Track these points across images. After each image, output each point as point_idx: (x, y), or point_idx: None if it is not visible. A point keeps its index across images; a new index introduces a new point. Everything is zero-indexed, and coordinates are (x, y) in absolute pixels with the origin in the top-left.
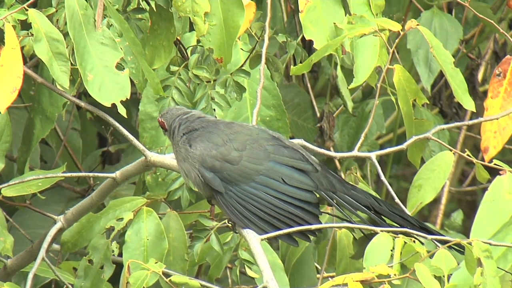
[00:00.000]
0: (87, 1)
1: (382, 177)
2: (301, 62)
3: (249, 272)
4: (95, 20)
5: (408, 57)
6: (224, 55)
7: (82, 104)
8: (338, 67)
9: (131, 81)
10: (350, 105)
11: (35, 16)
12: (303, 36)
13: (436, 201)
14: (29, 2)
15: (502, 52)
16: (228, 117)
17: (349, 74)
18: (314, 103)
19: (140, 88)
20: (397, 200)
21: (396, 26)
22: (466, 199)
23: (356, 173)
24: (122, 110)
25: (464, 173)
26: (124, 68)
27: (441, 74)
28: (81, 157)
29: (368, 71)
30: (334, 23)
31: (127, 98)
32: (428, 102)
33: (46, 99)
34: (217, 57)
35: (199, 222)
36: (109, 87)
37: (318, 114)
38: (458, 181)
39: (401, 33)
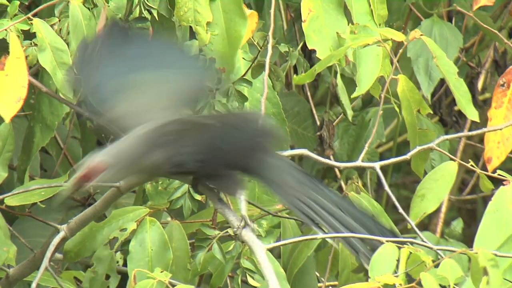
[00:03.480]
0: (90, 11)
1: (386, 188)
2: (302, 72)
3: (251, 281)
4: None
5: (408, 66)
6: (227, 65)
7: (86, 113)
8: (338, 76)
9: None
10: (350, 113)
11: (40, 26)
12: (303, 44)
13: (436, 209)
14: (33, 12)
15: (502, 60)
16: None
17: (349, 83)
18: (314, 111)
19: None
20: (400, 210)
21: (399, 37)
22: (466, 208)
23: (358, 183)
24: None
25: (464, 182)
26: None
27: (441, 83)
28: None
29: (371, 80)
30: (337, 33)
31: None
32: (431, 112)
33: (46, 107)
34: (219, 66)
35: (201, 231)
36: None
37: (318, 123)
38: (458, 190)
39: (405, 43)
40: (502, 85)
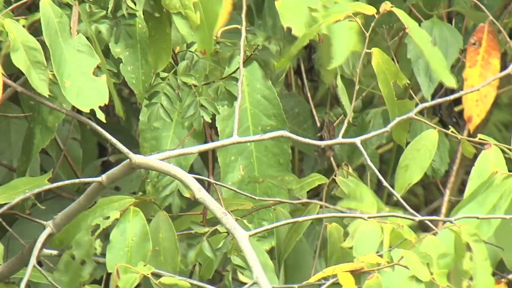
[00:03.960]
0: (62, 9)
1: (369, 162)
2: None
3: (241, 278)
4: (70, 28)
5: (408, 67)
6: (207, 47)
7: (64, 111)
8: (338, 77)
9: (132, 91)
10: (350, 114)
11: (11, 26)
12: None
13: (436, 210)
14: (9, 8)
15: (502, 61)
16: (229, 127)
17: (349, 84)
18: (314, 112)
19: (141, 98)
20: (396, 194)
21: (370, 10)
22: None
23: (348, 169)
24: (100, 116)
25: (464, 183)
26: (101, 75)
27: (441, 84)
28: (81, 167)
29: (347, 51)
30: (309, 7)
31: (105, 104)
32: (409, 82)
33: (46, 109)
34: (199, 49)
35: (191, 229)
36: (87, 93)
37: (318, 124)
38: (458, 191)
39: (376, 16)
40: (474, 44)
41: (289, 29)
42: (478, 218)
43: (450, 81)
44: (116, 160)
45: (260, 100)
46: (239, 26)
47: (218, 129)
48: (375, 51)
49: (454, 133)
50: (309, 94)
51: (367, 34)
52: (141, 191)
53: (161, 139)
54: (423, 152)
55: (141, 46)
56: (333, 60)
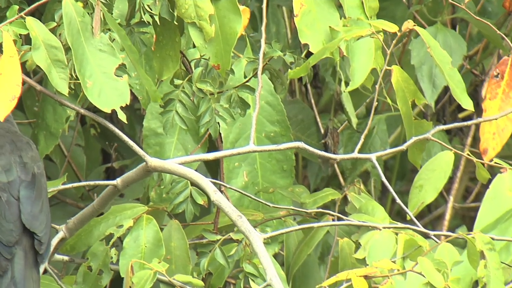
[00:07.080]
0: (84, 9)
1: (383, 179)
2: (305, 82)
3: (253, 285)
4: (92, 27)
5: (412, 73)
6: (222, 62)
7: (82, 111)
8: (343, 83)
9: (135, 97)
10: (354, 121)
11: (33, 24)
12: (307, 52)
13: (440, 217)
14: (25, 11)
15: None
16: (233, 133)
17: (353, 91)
18: (318, 119)
19: (144, 104)
20: (398, 201)
21: (392, 27)
22: (470, 215)
23: (360, 186)
24: (122, 116)
25: (468, 189)
26: (122, 75)
27: (445, 90)
28: (84, 173)
29: (365, 73)
30: (330, 27)
31: (126, 104)
32: (426, 102)
33: (50, 115)
34: (213, 63)
35: (203, 236)
36: (108, 93)
37: (322, 130)
38: (462, 197)
39: (398, 34)
40: (496, 76)
41: (294, 36)
42: (493, 239)
43: (467, 104)
44: (120, 167)
45: (264, 106)
46: (243, 33)
47: (222, 135)
48: (395, 69)
49: (470, 155)
50: (313, 101)
51: (388, 52)
52: (145, 198)
53: (165, 145)
54: (438, 173)
55: (145, 52)
56: (351, 82)
